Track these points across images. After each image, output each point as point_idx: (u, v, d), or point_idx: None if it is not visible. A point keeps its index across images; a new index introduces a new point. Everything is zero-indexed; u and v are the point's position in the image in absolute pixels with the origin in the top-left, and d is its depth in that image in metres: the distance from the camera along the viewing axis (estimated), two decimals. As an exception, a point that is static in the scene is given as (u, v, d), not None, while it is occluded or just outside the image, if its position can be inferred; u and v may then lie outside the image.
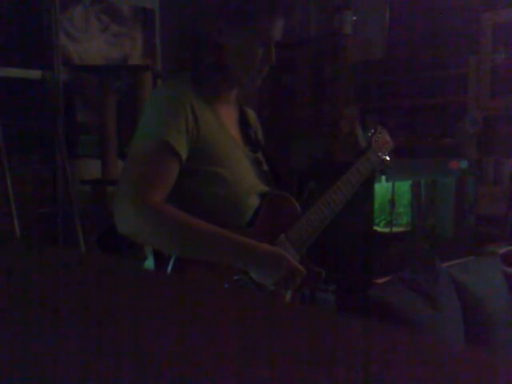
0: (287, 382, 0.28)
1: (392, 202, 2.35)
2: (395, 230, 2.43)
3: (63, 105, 3.24)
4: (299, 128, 3.93)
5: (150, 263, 1.16)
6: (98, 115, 3.25)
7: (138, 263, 1.18)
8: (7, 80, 3.18)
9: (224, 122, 1.25)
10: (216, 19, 1.18)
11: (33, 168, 3.26)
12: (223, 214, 1.18)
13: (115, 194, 1.12)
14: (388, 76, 3.64)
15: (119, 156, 3.15)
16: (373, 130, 1.56)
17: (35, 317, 0.37)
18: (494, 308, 2.05)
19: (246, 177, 1.23)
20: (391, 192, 2.33)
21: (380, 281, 2.08)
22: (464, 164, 2.56)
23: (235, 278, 1.16)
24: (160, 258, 1.14)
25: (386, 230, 2.39)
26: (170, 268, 1.11)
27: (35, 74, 3.25)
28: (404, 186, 2.56)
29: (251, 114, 1.41)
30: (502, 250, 2.55)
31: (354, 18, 3.71)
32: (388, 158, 1.55)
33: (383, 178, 2.16)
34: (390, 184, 2.31)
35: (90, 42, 3.58)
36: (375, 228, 2.28)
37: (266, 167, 1.33)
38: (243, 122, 1.35)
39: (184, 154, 1.13)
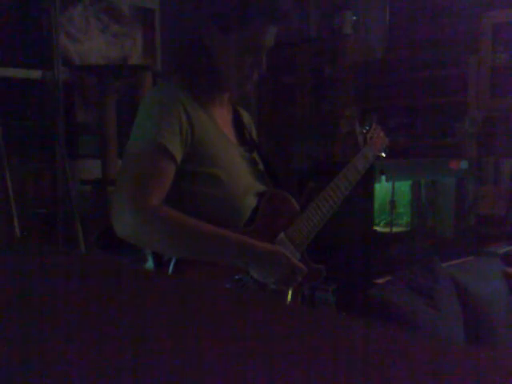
0: (287, 382, 0.28)
1: (392, 202, 2.35)
2: (395, 230, 2.43)
3: (63, 105, 3.24)
4: (299, 128, 3.93)
5: (149, 266, 1.16)
6: (98, 115, 3.25)
7: (138, 265, 1.18)
8: (7, 80, 3.18)
9: (218, 123, 1.25)
10: (207, 24, 1.18)
11: (33, 168, 3.26)
12: (220, 214, 1.18)
13: (112, 198, 1.12)
14: (388, 76, 3.64)
15: (119, 156, 3.15)
16: (367, 127, 1.60)
17: (35, 317, 0.37)
18: (494, 308, 2.06)
19: (242, 177, 1.24)
20: (391, 192, 2.33)
21: (380, 281, 2.08)
22: (464, 164, 2.56)
23: (236, 277, 1.16)
24: (160, 260, 1.14)
25: (386, 230, 2.39)
26: (170, 270, 1.11)
27: (35, 73, 3.25)
28: (404, 186, 2.56)
29: (245, 115, 1.41)
30: (502, 250, 2.55)
31: (354, 18, 3.71)
32: (384, 155, 1.62)
33: (383, 177, 2.16)
34: (390, 184, 2.31)
35: (90, 42, 3.58)
36: (375, 228, 2.28)
37: (261, 167, 1.34)
38: (237, 123, 1.35)
39: (179, 155, 1.13)
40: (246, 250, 1.14)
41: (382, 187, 2.30)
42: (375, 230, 2.27)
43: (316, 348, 0.32)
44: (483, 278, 2.14)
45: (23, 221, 2.86)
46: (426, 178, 2.60)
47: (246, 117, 1.42)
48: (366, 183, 2.06)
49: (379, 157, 1.63)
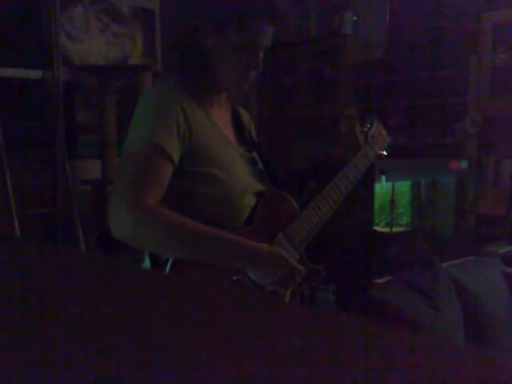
0: (287, 382, 0.28)
1: (392, 202, 2.35)
2: (395, 230, 2.43)
3: (63, 105, 3.24)
4: (299, 128, 3.93)
5: (146, 266, 1.15)
6: (98, 115, 3.25)
7: (135, 265, 1.18)
8: (7, 80, 3.18)
9: (216, 123, 1.25)
10: (203, 24, 1.18)
11: (33, 168, 3.26)
12: (219, 214, 1.18)
13: (109, 199, 1.12)
14: (388, 76, 3.64)
15: (119, 156, 3.14)
16: (369, 125, 1.57)
17: (35, 317, 0.37)
18: (494, 308, 2.06)
19: (241, 176, 1.23)
20: (391, 192, 2.33)
21: (380, 281, 2.08)
22: (464, 164, 2.55)
23: (234, 278, 1.16)
24: (157, 261, 1.13)
25: (386, 229, 2.39)
26: (167, 270, 1.10)
27: (35, 73, 3.25)
28: (404, 186, 2.56)
29: (244, 114, 1.41)
30: (502, 250, 2.55)
31: (354, 18, 3.71)
32: (385, 153, 1.59)
33: (383, 177, 2.16)
34: (390, 184, 2.31)
35: (89, 42, 3.58)
36: (375, 228, 2.28)
37: (261, 166, 1.33)
38: (237, 122, 1.35)
39: (176, 156, 1.13)
40: (243, 252, 1.13)
41: (381, 187, 2.30)
42: (375, 230, 2.27)
43: (316, 348, 0.32)
44: (483, 278, 2.14)
45: (23, 221, 2.85)
46: (425, 178, 2.60)
47: (246, 116, 1.41)
48: (366, 183, 2.05)
49: (380, 155, 1.60)
